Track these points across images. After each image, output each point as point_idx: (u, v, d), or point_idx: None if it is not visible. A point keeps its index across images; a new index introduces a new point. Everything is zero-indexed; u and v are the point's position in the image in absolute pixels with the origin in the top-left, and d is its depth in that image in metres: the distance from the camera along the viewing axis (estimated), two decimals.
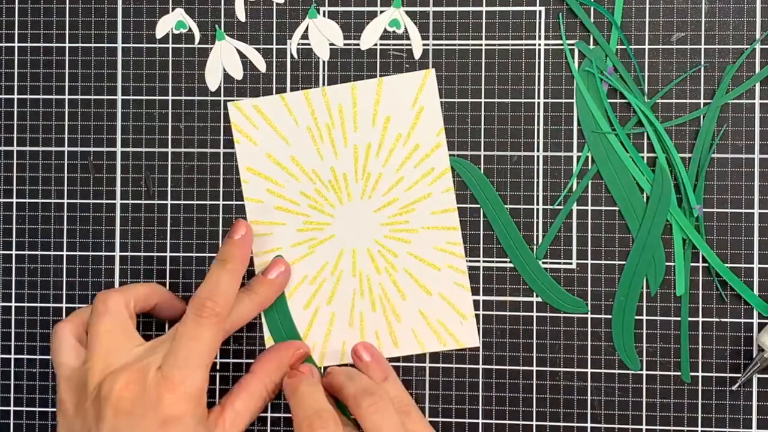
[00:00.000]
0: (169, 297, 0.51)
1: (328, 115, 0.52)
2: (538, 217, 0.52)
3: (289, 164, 0.52)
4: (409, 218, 0.52)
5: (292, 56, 0.53)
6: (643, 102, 0.51)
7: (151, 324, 0.53)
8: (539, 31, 0.52)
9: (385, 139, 0.52)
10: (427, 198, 0.52)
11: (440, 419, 0.52)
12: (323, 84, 0.52)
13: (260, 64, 0.53)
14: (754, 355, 0.50)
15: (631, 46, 0.51)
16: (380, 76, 0.52)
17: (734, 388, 0.50)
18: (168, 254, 0.53)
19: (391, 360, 0.52)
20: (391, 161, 0.52)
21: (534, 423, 0.52)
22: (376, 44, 0.52)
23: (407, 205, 0.52)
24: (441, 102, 0.52)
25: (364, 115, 0.52)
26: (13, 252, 0.54)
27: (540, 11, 0.52)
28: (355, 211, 0.52)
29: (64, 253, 0.53)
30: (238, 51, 0.53)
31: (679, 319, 0.51)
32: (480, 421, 0.52)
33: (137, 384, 0.44)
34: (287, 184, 0.52)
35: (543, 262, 0.52)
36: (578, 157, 0.51)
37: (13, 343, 0.54)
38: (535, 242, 0.52)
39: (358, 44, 0.53)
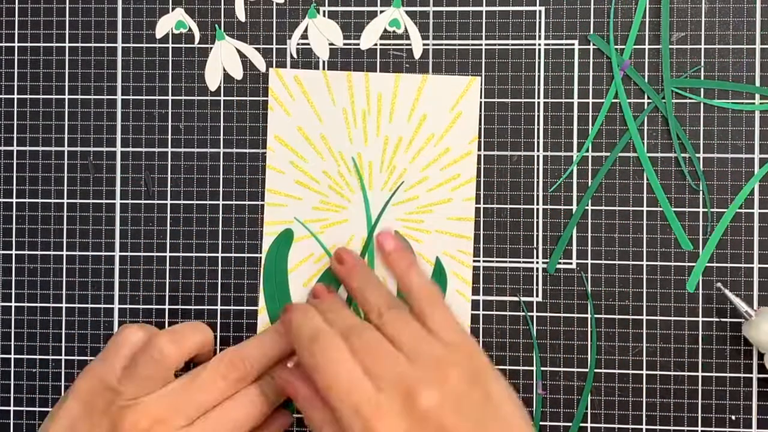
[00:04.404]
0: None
1: (366, 101, 0.52)
2: (538, 217, 0.52)
3: (318, 141, 0.52)
4: (425, 218, 0.52)
5: (292, 56, 0.53)
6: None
7: None
8: (539, 31, 0.52)
9: (417, 136, 0.52)
10: (446, 203, 0.52)
11: None
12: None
13: (260, 64, 0.53)
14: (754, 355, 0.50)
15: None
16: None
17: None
18: (168, 254, 0.53)
19: None
20: (419, 159, 0.52)
21: (536, 423, 0.52)
22: (376, 44, 0.52)
23: (426, 205, 0.52)
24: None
25: (402, 108, 0.52)
26: (13, 252, 0.54)
27: (540, 11, 0.52)
28: (374, 200, 0.52)
29: (64, 253, 0.53)
30: (238, 51, 0.53)
31: (681, 319, 0.51)
32: None
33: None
34: (312, 160, 0.52)
35: (544, 262, 0.52)
36: (579, 158, 0.51)
37: (13, 343, 0.54)
38: (534, 242, 0.52)
39: (358, 44, 0.53)
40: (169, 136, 0.53)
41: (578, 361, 0.52)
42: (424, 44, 0.52)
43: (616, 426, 0.51)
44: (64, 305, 0.54)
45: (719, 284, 0.49)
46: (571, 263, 0.52)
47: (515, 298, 0.52)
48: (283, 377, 0.47)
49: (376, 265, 0.52)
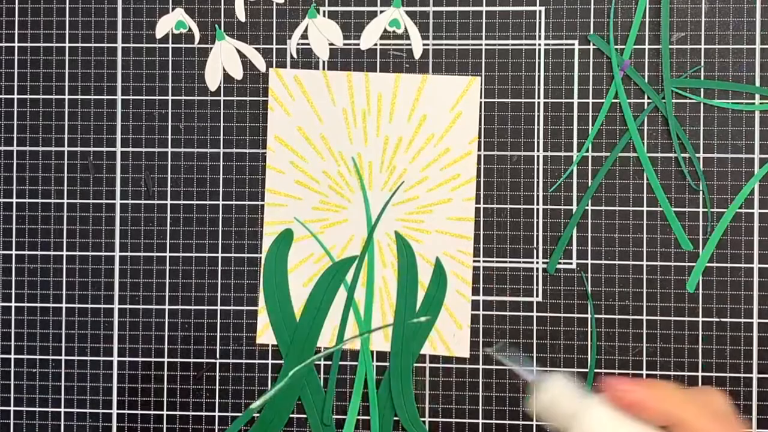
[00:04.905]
0: None
1: (366, 101, 0.52)
2: (538, 217, 0.52)
3: (318, 141, 0.52)
4: (425, 218, 0.52)
5: (292, 56, 0.53)
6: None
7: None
8: (539, 31, 0.52)
9: (417, 136, 0.52)
10: (446, 203, 0.52)
11: (440, 419, 0.52)
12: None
13: (260, 64, 0.53)
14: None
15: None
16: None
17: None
18: (168, 254, 0.53)
19: (382, 355, 0.52)
20: (419, 159, 0.52)
21: (534, 423, 0.52)
22: (376, 44, 0.52)
23: (426, 205, 0.52)
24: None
25: (402, 108, 0.52)
26: (13, 252, 0.54)
27: (540, 11, 0.52)
28: (374, 200, 0.52)
29: (64, 253, 0.53)
30: (238, 51, 0.53)
31: (681, 319, 0.51)
32: (480, 421, 0.52)
33: None
34: (312, 160, 0.52)
35: (544, 262, 0.52)
36: (578, 158, 0.52)
37: (13, 343, 0.54)
38: (534, 242, 0.52)
39: (358, 44, 0.53)
40: (169, 136, 0.53)
41: (578, 361, 0.52)
42: (424, 44, 0.52)
43: None
44: (64, 305, 0.54)
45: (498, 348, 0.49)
46: (571, 263, 0.52)
47: (515, 298, 0.52)
48: None
49: (376, 265, 0.52)
